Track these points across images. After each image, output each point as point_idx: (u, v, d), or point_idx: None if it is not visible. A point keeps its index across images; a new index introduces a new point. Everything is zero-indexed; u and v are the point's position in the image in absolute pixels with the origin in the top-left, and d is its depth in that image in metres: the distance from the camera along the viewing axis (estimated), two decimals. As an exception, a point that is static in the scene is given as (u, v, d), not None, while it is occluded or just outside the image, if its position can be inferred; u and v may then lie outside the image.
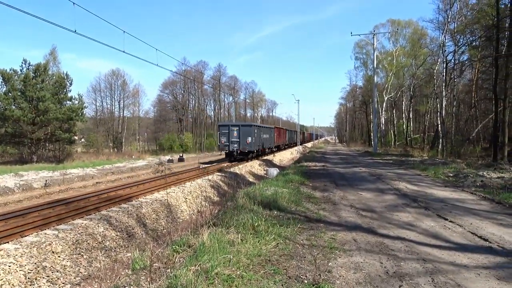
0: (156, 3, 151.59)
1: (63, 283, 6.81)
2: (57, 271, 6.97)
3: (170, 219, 11.84)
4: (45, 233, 8.12)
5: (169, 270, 4.33)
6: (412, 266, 4.45)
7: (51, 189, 16.26)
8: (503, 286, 3.86)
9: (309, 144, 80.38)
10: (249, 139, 27.69)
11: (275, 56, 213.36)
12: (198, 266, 4.05)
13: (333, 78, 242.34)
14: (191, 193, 14.81)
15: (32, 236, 7.95)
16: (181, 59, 64.52)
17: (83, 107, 36.41)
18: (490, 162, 17.82)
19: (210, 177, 18.89)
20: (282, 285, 3.87)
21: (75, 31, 11.26)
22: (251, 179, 21.88)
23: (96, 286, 6.66)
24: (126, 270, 6.38)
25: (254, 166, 27.06)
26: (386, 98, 49.76)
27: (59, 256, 7.34)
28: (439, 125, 31.78)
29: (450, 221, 6.70)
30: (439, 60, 34.01)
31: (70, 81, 35.34)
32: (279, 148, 43.95)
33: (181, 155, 39.13)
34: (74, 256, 7.64)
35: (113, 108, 59.79)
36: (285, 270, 4.28)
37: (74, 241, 8.02)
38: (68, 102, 34.98)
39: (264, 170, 26.48)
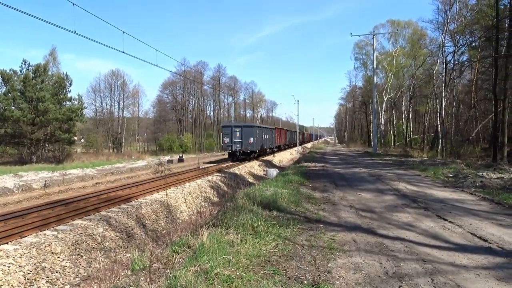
0: (155, 4, 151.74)
1: (62, 283, 6.81)
2: (57, 272, 6.96)
3: (169, 220, 11.84)
4: (45, 234, 8.11)
5: (168, 270, 4.33)
6: (411, 266, 4.45)
7: (51, 190, 16.24)
8: (503, 286, 3.86)
9: (308, 145, 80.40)
10: (251, 139, 28.28)
11: (275, 56, 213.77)
12: (198, 266, 4.04)
13: (333, 79, 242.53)
14: (191, 194, 14.80)
15: (32, 236, 7.94)
16: (180, 59, 64.53)
17: (83, 108, 36.43)
18: (490, 163, 17.82)
19: (209, 177, 18.88)
20: (282, 286, 3.86)
21: (75, 32, 11.28)
22: (250, 179, 21.88)
23: (95, 287, 6.65)
24: (126, 271, 6.37)
25: (253, 167, 27.07)
26: (385, 99, 49.80)
27: (58, 257, 7.33)
28: (439, 126, 31.80)
29: (450, 222, 6.70)
30: (438, 61, 34.03)
31: (69, 82, 35.38)
32: (279, 148, 44.10)
33: (180, 155, 39.12)
34: (74, 256, 7.63)
35: (113, 108, 59.89)
36: (284, 271, 4.28)
37: (74, 241, 8.01)
38: (67, 102, 34.98)
39: (264, 170, 26.49)
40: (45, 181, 17.35)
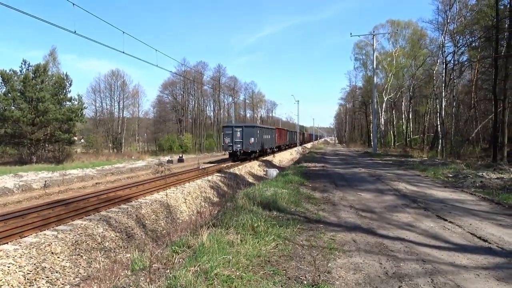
0: (155, 4, 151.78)
1: (62, 284, 6.81)
2: (57, 272, 6.96)
3: (169, 220, 11.84)
4: (45, 234, 8.11)
5: (168, 271, 4.33)
6: (411, 266, 4.45)
7: (51, 190, 16.24)
8: (503, 286, 3.86)
9: (308, 145, 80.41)
10: (252, 139, 28.56)
11: (275, 56, 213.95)
12: (198, 266, 4.04)
13: (333, 79, 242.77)
14: (191, 194, 14.80)
15: (32, 236, 7.95)
16: (180, 59, 64.54)
17: (83, 108, 36.44)
18: (490, 163, 17.82)
19: (209, 177, 18.88)
20: (282, 286, 3.86)
21: (75, 32, 11.28)
22: (250, 179, 21.88)
23: (95, 287, 6.65)
24: (126, 271, 6.37)
25: (253, 167, 27.08)
26: (385, 99, 49.79)
27: (58, 257, 7.33)
28: (439, 126, 31.80)
29: (450, 222, 6.70)
30: (438, 61, 34.04)
31: (69, 82, 35.39)
32: (279, 149, 44.19)
33: (180, 155, 39.12)
34: (74, 257, 7.63)
35: (113, 108, 59.90)
36: (284, 271, 4.28)
37: (74, 241, 8.01)
38: (67, 102, 34.99)
39: (264, 170, 26.51)
40: (45, 181, 17.35)
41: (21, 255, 6.82)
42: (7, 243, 7.44)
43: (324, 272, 4.25)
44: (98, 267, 7.37)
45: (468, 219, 6.90)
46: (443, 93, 30.71)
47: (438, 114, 32.48)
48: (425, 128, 45.99)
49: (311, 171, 16.91)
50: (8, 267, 6.40)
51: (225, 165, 25.73)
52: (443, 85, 30.78)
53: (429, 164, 18.60)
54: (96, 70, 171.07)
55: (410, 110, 49.39)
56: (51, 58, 44.72)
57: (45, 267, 6.87)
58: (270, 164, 31.20)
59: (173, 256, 4.87)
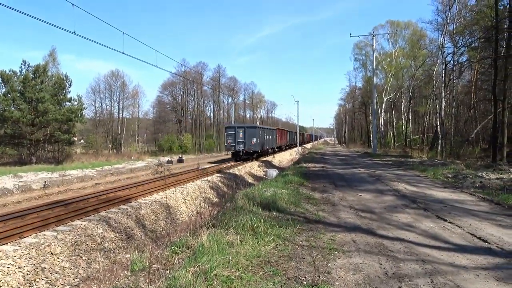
0: (155, 4, 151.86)
1: (62, 284, 6.80)
2: (56, 273, 6.95)
3: (169, 220, 11.83)
4: (44, 234, 8.10)
5: (168, 271, 4.32)
6: (411, 267, 4.45)
7: (50, 190, 16.23)
8: (502, 287, 3.86)
9: (308, 145, 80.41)
10: (254, 140, 29.20)
11: (275, 56, 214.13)
12: (197, 267, 4.04)
13: (332, 79, 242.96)
14: (190, 194, 14.80)
15: (31, 237, 7.94)
16: (180, 60, 64.49)
17: (83, 108, 36.45)
18: (489, 163, 17.83)
19: (209, 178, 18.88)
20: (281, 286, 3.86)
21: (75, 32, 11.31)
22: (250, 180, 21.88)
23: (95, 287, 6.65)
24: (125, 272, 6.37)
25: (253, 167, 27.08)
26: (385, 99, 49.83)
27: (58, 258, 7.32)
28: (438, 126, 31.82)
29: (449, 222, 6.70)
30: (438, 61, 34.07)
31: (69, 82, 35.41)
32: (280, 149, 44.37)
33: (180, 156, 39.12)
34: (73, 257, 7.63)
35: (113, 109, 59.93)
36: (284, 271, 4.27)
37: (73, 242, 8.01)
38: (67, 103, 34.98)
39: (264, 171, 26.51)
40: (45, 181, 17.34)
41: (21, 256, 6.81)
42: (6, 243, 7.43)
43: (324, 272, 4.25)
44: (98, 267, 7.37)
45: (467, 220, 6.90)
46: (443, 94, 30.74)
47: (437, 114, 32.51)
48: (424, 129, 46.03)
49: (311, 172, 16.91)
50: (8, 267, 6.40)
51: (225, 166, 25.73)
52: (443, 85, 30.81)
53: (429, 164, 18.61)
54: (95, 71, 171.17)
55: (410, 110, 49.42)
56: (50, 58, 44.78)
57: (45, 268, 6.86)
58: (269, 165, 31.21)
59: (172, 257, 4.87)
